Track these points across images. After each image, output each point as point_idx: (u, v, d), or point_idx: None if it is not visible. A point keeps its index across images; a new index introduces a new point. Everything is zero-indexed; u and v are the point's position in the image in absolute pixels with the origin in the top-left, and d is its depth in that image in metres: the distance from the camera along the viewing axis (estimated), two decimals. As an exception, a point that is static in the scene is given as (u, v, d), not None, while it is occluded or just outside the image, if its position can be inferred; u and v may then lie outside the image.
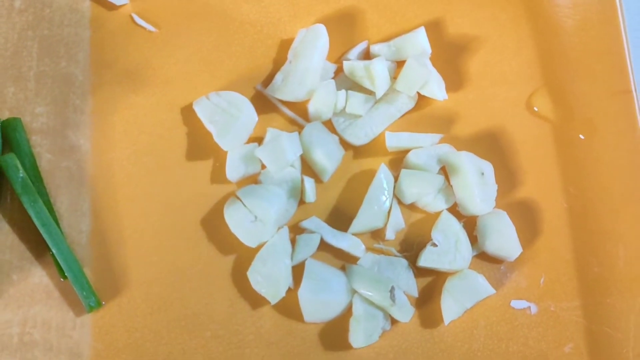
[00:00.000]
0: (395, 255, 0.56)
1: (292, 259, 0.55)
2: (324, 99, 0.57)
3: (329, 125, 0.58)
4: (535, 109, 0.59)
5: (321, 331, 0.55)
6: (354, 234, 0.56)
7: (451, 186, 0.57)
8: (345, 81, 0.59)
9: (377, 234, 0.57)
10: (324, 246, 0.56)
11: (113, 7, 0.60)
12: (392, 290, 0.53)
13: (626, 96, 0.56)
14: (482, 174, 0.56)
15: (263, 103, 0.59)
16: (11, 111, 0.57)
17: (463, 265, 0.55)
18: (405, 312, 0.54)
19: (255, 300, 0.55)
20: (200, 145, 0.58)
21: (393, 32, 0.60)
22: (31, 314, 0.53)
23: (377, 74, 0.57)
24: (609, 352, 0.55)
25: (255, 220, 0.55)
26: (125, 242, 0.56)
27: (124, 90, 0.58)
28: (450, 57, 0.60)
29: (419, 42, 0.59)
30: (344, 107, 0.58)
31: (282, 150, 0.55)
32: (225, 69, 0.59)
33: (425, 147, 0.58)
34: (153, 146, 0.57)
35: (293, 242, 0.56)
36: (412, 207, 0.57)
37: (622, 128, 0.56)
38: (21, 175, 0.54)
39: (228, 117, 0.56)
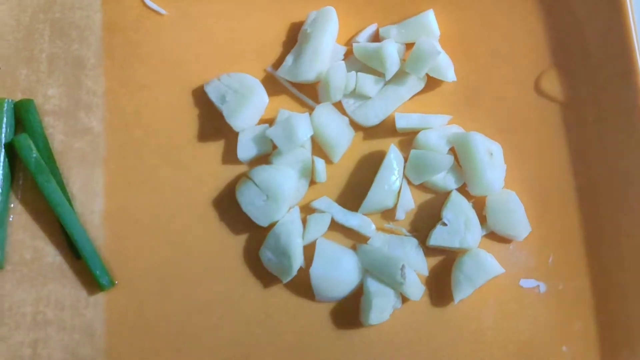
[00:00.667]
0: (406, 235, 0.57)
1: (303, 238, 0.55)
2: (334, 81, 0.58)
3: (339, 106, 0.59)
4: (544, 90, 0.59)
5: (332, 310, 0.56)
6: (364, 214, 0.57)
7: (460, 166, 0.57)
8: (355, 63, 0.59)
9: (387, 214, 0.57)
10: (334, 226, 0.57)
11: (124, -10, 0.60)
12: (402, 268, 0.54)
13: (633, 77, 0.56)
14: (491, 154, 0.57)
15: (273, 85, 0.59)
16: (24, 93, 0.58)
17: (473, 245, 0.55)
18: (415, 291, 0.54)
19: (266, 279, 0.55)
20: (212, 127, 0.58)
21: (402, 14, 0.60)
22: (45, 293, 0.54)
23: (387, 55, 0.57)
24: (618, 329, 0.55)
25: (267, 200, 0.55)
26: (137, 222, 0.56)
27: (136, 72, 0.58)
28: (459, 38, 0.60)
29: (427, 24, 0.59)
30: (354, 89, 0.58)
31: (293, 131, 0.55)
32: (236, 51, 0.59)
33: (434, 127, 0.58)
34: (165, 127, 0.58)
35: (304, 222, 0.56)
36: (421, 187, 0.58)
37: (629, 108, 0.56)
38: (34, 155, 0.55)
39: (239, 98, 0.57)
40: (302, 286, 0.55)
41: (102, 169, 0.57)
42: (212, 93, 0.58)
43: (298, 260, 0.54)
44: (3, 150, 0.55)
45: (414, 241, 0.56)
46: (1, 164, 0.55)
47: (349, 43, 0.60)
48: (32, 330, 0.53)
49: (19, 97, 0.57)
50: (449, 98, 0.60)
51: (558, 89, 0.59)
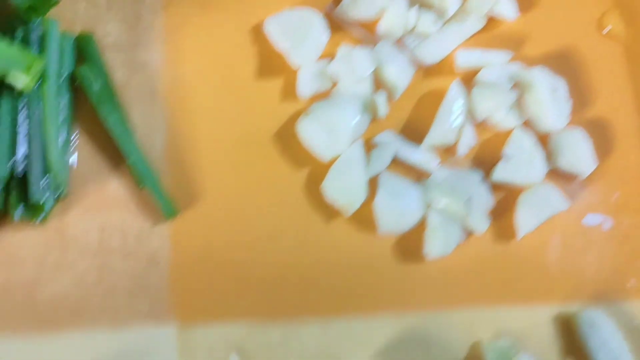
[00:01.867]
0: (470, 169, 0.56)
1: (366, 172, 0.55)
2: (395, 18, 0.58)
3: (399, 44, 0.58)
4: (606, 29, 0.59)
5: (394, 244, 0.55)
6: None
7: (523, 102, 0.57)
8: (415, 0, 0.59)
9: (449, 151, 0.57)
10: (396, 163, 0.56)
11: None
12: (468, 200, 0.53)
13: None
14: (555, 89, 0.56)
15: (333, 23, 0.59)
16: (83, 27, 0.57)
17: (537, 179, 0.55)
18: (480, 223, 0.54)
19: (329, 213, 0.55)
20: (271, 63, 0.58)
21: (462, -47, 0.60)
22: (110, 222, 0.53)
23: (448, -9, 0.57)
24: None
25: (329, 135, 0.55)
26: (198, 156, 0.55)
27: (196, 6, 0.58)
28: (521, -24, 0.60)
29: (489, -38, 0.59)
30: (415, 26, 0.58)
31: (354, 65, 0.55)
32: (297, -13, 0.59)
33: (496, 65, 0.58)
34: (224, 64, 0.57)
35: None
36: (483, 124, 0.58)
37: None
38: (97, 86, 0.54)
39: (300, 33, 0.57)
40: (365, 220, 0.55)
41: (161, 103, 0.56)
42: (273, 29, 0.57)
43: (362, 193, 0.54)
44: (66, 82, 0.55)
45: (478, 174, 0.56)
46: (65, 96, 0.55)
47: (409, -19, 0.60)
48: (98, 257, 0.53)
49: (78, 30, 0.57)
50: (510, 38, 0.59)
51: (621, 28, 0.59)
